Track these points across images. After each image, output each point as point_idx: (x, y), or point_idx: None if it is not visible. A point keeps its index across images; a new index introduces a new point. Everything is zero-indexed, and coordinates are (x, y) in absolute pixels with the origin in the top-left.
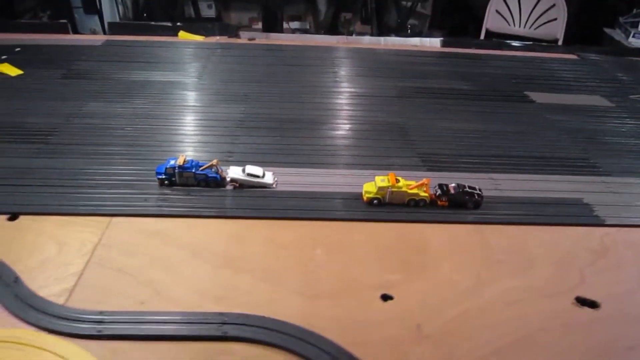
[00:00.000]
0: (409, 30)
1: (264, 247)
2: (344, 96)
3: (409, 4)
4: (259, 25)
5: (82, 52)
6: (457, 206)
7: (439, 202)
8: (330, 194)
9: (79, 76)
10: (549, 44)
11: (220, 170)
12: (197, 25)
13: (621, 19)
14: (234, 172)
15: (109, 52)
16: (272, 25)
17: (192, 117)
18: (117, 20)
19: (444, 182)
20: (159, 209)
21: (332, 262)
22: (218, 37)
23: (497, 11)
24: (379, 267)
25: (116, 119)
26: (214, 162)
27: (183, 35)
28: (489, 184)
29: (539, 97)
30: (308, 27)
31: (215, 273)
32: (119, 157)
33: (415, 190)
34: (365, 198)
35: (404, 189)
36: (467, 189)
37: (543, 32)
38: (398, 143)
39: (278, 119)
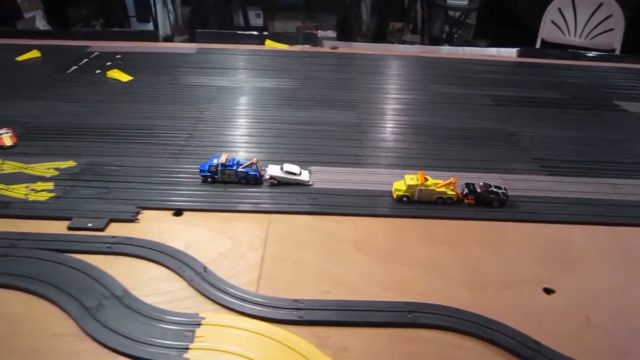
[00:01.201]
0: (455, 40)
1: (420, 243)
2: (445, 104)
3: (457, 14)
4: (318, 33)
5: (180, 60)
6: (483, 204)
7: (465, 201)
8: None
9: (185, 82)
10: (609, 53)
11: (259, 168)
12: (282, 34)
13: None
14: (273, 170)
15: (204, 60)
16: (347, 33)
17: (313, 122)
18: (168, 28)
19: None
20: (312, 206)
21: (488, 258)
22: (305, 46)
23: (552, 21)
24: (531, 263)
25: (238, 123)
26: (254, 160)
27: (269, 44)
28: (610, 188)
29: (630, 106)
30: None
31: (383, 266)
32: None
33: (443, 189)
34: (394, 195)
35: (432, 187)
36: (493, 189)
37: (600, 42)
38: (512, 149)
39: (392, 124)
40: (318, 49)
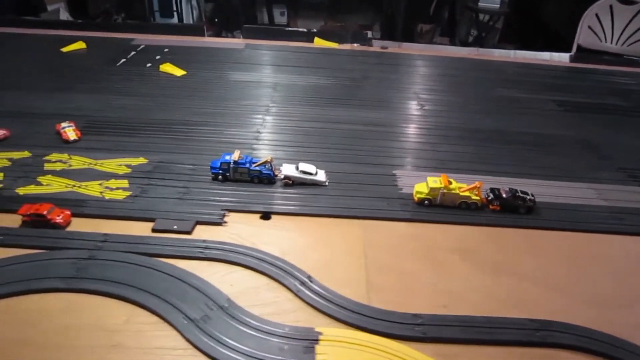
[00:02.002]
0: (483, 43)
1: (526, 254)
2: (511, 108)
3: (486, 18)
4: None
5: (231, 55)
6: (509, 211)
7: (490, 207)
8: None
9: (240, 78)
10: None
11: (273, 167)
12: (330, 32)
13: None
14: (287, 169)
15: (255, 56)
16: (392, 33)
17: (383, 124)
18: (191, 22)
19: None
20: (407, 213)
21: (598, 271)
22: (354, 45)
23: (589, 27)
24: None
25: (305, 123)
26: (268, 158)
27: (318, 41)
28: None
29: None
30: (372, 36)
31: (495, 279)
32: (349, 160)
33: (467, 193)
34: (416, 198)
35: (455, 191)
36: (519, 194)
37: (636, 49)
38: (593, 157)
39: (465, 128)
40: (367, 48)
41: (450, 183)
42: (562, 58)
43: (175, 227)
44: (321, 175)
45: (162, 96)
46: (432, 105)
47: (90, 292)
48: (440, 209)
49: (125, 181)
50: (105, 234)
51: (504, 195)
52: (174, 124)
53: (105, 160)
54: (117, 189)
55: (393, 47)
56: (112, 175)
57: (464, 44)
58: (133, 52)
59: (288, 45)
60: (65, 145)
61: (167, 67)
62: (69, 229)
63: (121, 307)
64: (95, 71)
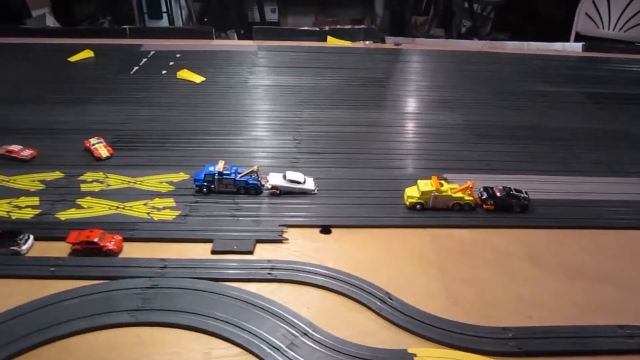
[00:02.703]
0: (477, 33)
1: (593, 255)
2: (541, 102)
3: (479, 8)
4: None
5: (245, 59)
6: (504, 210)
7: (484, 206)
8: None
9: (260, 82)
10: None
11: (260, 177)
12: (342, 30)
13: None
14: (274, 178)
15: (271, 58)
16: (399, 28)
17: (412, 125)
18: (181, 24)
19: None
20: (473, 220)
21: None
22: (367, 42)
23: (587, 14)
24: None
25: (341, 127)
26: (255, 168)
27: (331, 40)
28: None
29: None
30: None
31: (567, 284)
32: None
33: (459, 194)
34: (407, 203)
35: (448, 192)
36: (514, 192)
37: (633, 35)
38: (636, 150)
39: (501, 126)
40: (380, 45)
41: (441, 185)
42: (574, 48)
43: (235, 247)
44: (309, 184)
45: (186, 105)
46: (462, 103)
47: (161, 324)
48: (498, 213)
49: (171, 200)
50: (162, 259)
51: (498, 194)
52: (207, 134)
53: (144, 177)
54: (164, 208)
55: (406, 43)
56: (156, 193)
57: (459, 35)
58: (145, 59)
59: (301, 46)
60: (98, 163)
61: (185, 74)
62: (122, 255)
63: (197, 340)
64: (110, 81)
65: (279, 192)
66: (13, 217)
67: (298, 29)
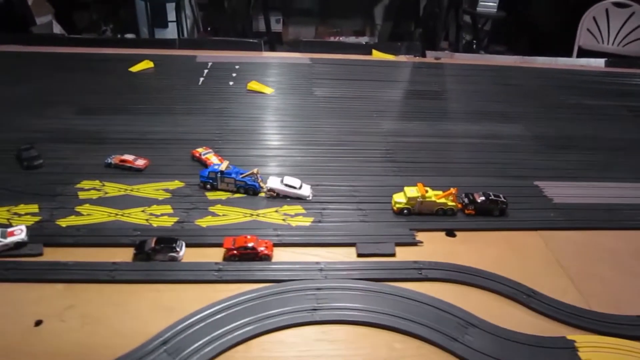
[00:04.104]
0: (474, 46)
1: None
2: (585, 115)
3: (481, 21)
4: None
5: (304, 71)
6: (483, 214)
7: (466, 211)
8: None
9: (328, 94)
10: None
11: (259, 179)
12: (385, 44)
13: None
14: (273, 182)
15: (328, 71)
16: (432, 43)
17: (484, 135)
18: (185, 33)
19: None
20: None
21: None
22: (410, 56)
23: (588, 30)
24: None
25: (420, 136)
26: (255, 170)
27: (376, 54)
28: None
29: None
30: (368, 41)
31: None
32: (488, 173)
33: (443, 200)
34: (395, 208)
35: (432, 198)
36: (492, 197)
37: (631, 49)
38: None
39: (560, 137)
40: (421, 59)
41: (427, 191)
42: (598, 63)
43: (377, 250)
44: (305, 190)
45: (274, 116)
46: (519, 115)
47: (340, 322)
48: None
49: (299, 206)
50: (317, 262)
51: (478, 200)
52: (310, 144)
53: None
54: (297, 215)
55: (445, 57)
56: (286, 200)
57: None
58: (206, 70)
59: (350, 59)
60: None
61: (255, 85)
62: (273, 259)
63: (378, 335)
64: (181, 91)
65: (275, 195)
66: (154, 225)
67: (345, 42)
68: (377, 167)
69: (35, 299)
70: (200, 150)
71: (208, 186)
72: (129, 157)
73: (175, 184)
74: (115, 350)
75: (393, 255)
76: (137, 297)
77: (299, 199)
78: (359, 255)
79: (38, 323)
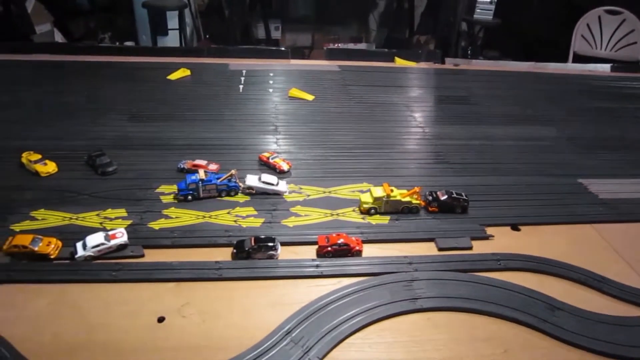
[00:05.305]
0: (469, 52)
1: None
2: (624, 117)
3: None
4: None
5: (337, 78)
6: (446, 211)
7: (430, 209)
8: None
9: (367, 99)
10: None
11: (237, 180)
12: (406, 52)
13: None
14: (251, 180)
15: (359, 77)
16: (445, 50)
17: (525, 137)
18: (184, 41)
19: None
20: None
21: None
22: (429, 63)
23: (582, 36)
24: None
25: (469, 139)
26: (233, 172)
27: (399, 61)
28: None
29: None
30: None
31: None
32: (532, 172)
33: (408, 198)
34: (362, 208)
35: (397, 197)
36: (455, 195)
37: (623, 54)
38: None
39: (592, 138)
40: (440, 65)
41: (392, 191)
42: (604, 68)
43: (455, 244)
44: (282, 186)
45: (322, 122)
46: (549, 118)
47: (441, 309)
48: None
49: (419, 201)
50: (405, 256)
51: (441, 198)
52: (363, 148)
53: (334, 187)
54: (377, 213)
55: (463, 64)
56: (355, 201)
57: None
58: (242, 78)
59: (375, 66)
60: (281, 175)
61: (296, 92)
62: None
63: (477, 320)
64: (225, 98)
65: (254, 192)
66: (244, 226)
67: (368, 50)
68: (435, 169)
69: (150, 298)
70: (266, 154)
71: (189, 197)
72: (201, 161)
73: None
74: (241, 342)
75: (470, 248)
76: (244, 293)
77: (276, 195)
78: (440, 249)
79: (161, 320)
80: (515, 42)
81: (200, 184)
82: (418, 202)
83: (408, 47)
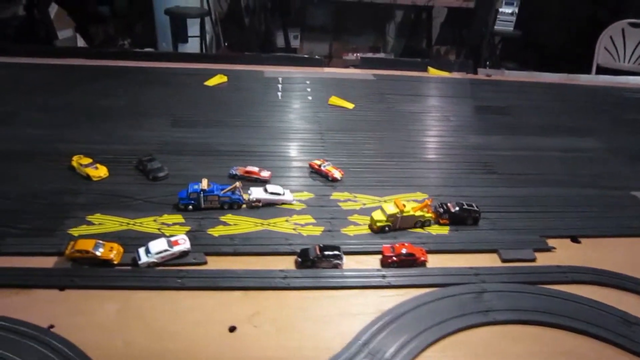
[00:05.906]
0: (487, 63)
1: None
2: None
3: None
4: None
5: (372, 86)
6: (458, 223)
7: (441, 221)
8: None
9: (404, 109)
10: None
11: (242, 193)
12: (439, 62)
13: None
14: (257, 192)
15: (394, 86)
16: (475, 61)
17: (569, 148)
18: (204, 48)
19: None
20: None
21: None
22: (464, 73)
23: (605, 48)
24: None
25: (508, 150)
26: (237, 184)
27: (433, 71)
28: None
29: None
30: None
31: None
32: (584, 184)
33: (420, 212)
34: (375, 227)
35: (411, 212)
36: (466, 207)
37: None
38: None
39: (630, 148)
40: (473, 75)
41: (404, 206)
42: (637, 80)
43: (520, 256)
44: (288, 195)
45: (370, 131)
46: (589, 130)
47: (512, 322)
48: None
49: (431, 214)
50: (471, 267)
51: (452, 210)
52: (405, 156)
53: (389, 196)
54: (434, 223)
55: (495, 75)
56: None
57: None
58: (280, 85)
59: (409, 75)
60: (333, 183)
61: (337, 101)
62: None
63: (552, 333)
64: (265, 105)
65: (260, 205)
66: (304, 234)
67: (401, 60)
68: (484, 179)
69: (218, 306)
70: (317, 162)
71: (190, 207)
72: (253, 168)
73: (306, 195)
74: (318, 354)
75: (534, 260)
76: (314, 302)
77: (284, 204)
78: (503, 260)
79: (232, 329)
80: (532, 54)
81: (202, 194)
82: (430, 215)
83: (429, 57)
